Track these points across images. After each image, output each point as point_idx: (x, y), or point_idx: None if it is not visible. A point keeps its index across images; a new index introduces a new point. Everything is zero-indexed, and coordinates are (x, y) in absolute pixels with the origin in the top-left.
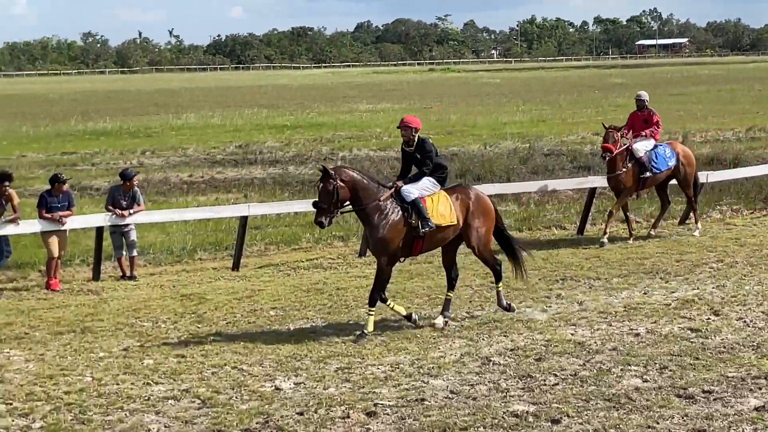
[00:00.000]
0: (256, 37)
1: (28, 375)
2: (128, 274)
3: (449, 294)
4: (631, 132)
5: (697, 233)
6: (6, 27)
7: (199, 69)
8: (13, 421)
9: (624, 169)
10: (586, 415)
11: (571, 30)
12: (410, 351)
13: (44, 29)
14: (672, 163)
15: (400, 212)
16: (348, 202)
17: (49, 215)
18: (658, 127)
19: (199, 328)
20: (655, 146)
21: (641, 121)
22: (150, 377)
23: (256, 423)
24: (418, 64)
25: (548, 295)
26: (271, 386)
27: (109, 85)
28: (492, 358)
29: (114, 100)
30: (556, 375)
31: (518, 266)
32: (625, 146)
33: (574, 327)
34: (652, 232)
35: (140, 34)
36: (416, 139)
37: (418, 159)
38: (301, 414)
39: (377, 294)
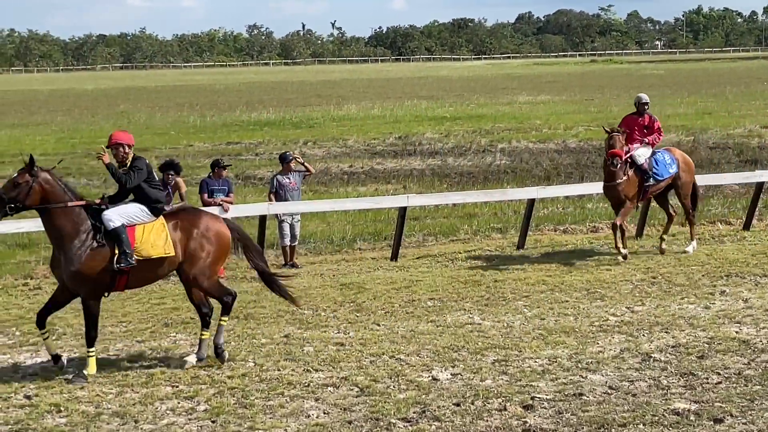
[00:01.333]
0: (417, 29)
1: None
2: (290, 261)
3: (204, 333)
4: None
5: (690, 250)
6: (175, 20)
7: (361, 61)
8: (179, 403)
9: (624, 177)
10: (751, 414)
11: (739, 20)
12: (568, 345)
13: (212, 22)
14: (673, 170)
15: (99, 241)
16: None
17: (210, 200)
18: (660, 135)
19: (357, 316)
20: (653, 153)
21: (641, 126)
22: (310, 364)
23: (413, 412)
24: (580, 55)
25: (712, 291)
26: (429, 376)
27: (272, 77)
28: (652, 355)
29: (277, 91)
30: (719, 373)
31: (286, 297)
32: (627, 153)
33: (738, 324)
34: (663, 246)
35: (303, 26)
36: (130, 157)
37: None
38: (457, 405)
39: (93, 332)
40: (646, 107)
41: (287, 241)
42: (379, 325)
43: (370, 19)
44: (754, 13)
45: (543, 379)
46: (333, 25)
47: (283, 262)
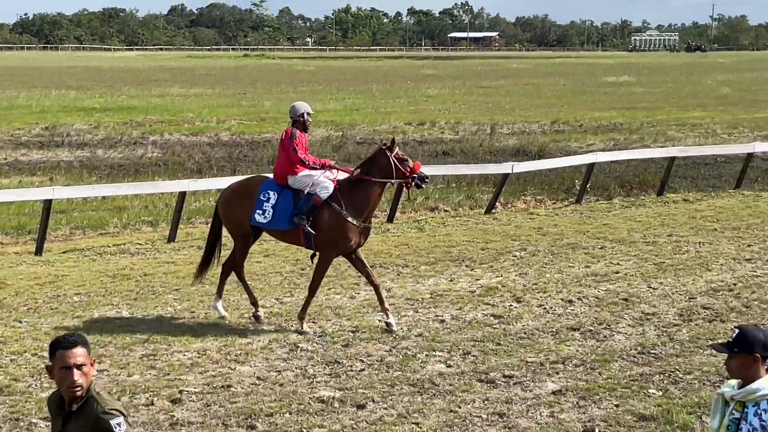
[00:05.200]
0: (65, 17)
1: None
2: None
3: None
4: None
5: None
6: None
7: (5, 48)
8: None
9: None
10: (391, 399)
11: (385, 20)
12: (218, 337)
13: None
14: None
15: None
16: None
17: None
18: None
19: None
20: None
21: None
22: None
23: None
24: (233, 49)
25: (357, 282)
26: None
27: None
28: (300, 345)
29: None
30: (362, 361)
31: None
32: None
33: (381, 314)
34: None
35: None
36: None
37: None
38: None
39: None
40: None
41: None
42: (21, 322)
43: (15, 5)
44: (399, 14)
45: (192, 373)
46: None
47: None
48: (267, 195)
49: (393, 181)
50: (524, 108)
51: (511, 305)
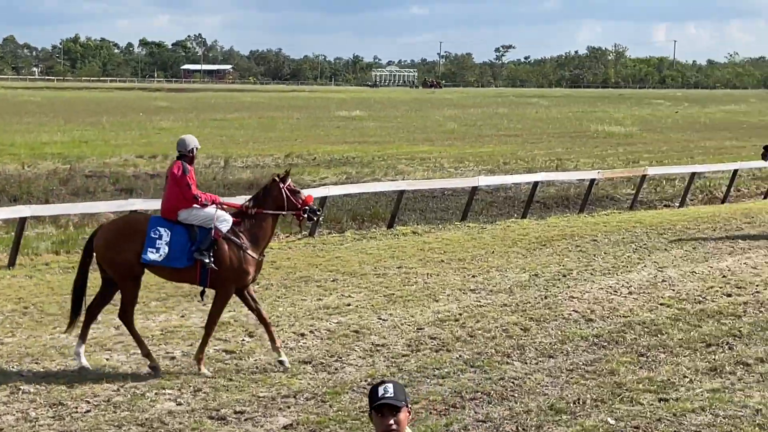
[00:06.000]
0: None
1: None
2: None
3: None
4: None
5: None
6: None
7: None
8: None
9: None
10: None
11: (116, 51)
12: None
13: None
14: None
15: None
16: None
17: None
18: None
19: None
20: None
21: None
22: None
23: None
24: None
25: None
26: None
27: None
28: (21, 387)
29: None
30: (88, 401)
31: None
32: None
33: (110, 352)
34: None
35: None
36: None
37: None
38: None
39: None
40: None
41: None
42: None
43: None
44: (130, 45)
45: None
46: None
47: None
48: (158, 232)
49: (284, 213)
50: (258, 141)
51: (244, 340)
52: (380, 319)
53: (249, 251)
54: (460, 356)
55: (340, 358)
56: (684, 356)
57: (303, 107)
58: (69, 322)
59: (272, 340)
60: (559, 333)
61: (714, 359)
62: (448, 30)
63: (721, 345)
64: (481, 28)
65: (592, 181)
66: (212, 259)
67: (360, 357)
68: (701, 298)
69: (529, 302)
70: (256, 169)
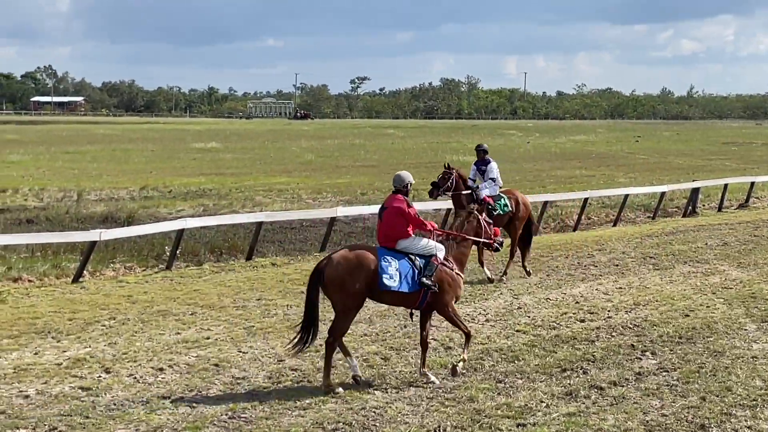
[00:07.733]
0: None
1: None
2: None
3: None
4: None
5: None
6: None
7: None
8: None
9: None
10: None
11: None
12: None
13: None
14: None
15: None
16: None
17: None
18: None
19: None
20: None
21: None
22: None
23: None
24: None
25: None
26: None
27: None
28: None
29: None
30: None
31: None
32: None
33: None
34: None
35: None
36: None
37: None
38: None
39: None
40: None
41: None
42: None
43: None
44: None
45: None
46: None
47: None
48: (387, 260)
49: (481, 240)
50: (112, 174)
51: (101, 376)
52: (240, 351)
53: (458, 272)
54: (320, 387)
55: (200, 392)
56: (540, 381)
57: (158, 139)
58: (295, 350)
59: (423, 361)
60: (419, 362)
61: (569, 384)
62: (304, 62)
63: (575, 370)
64: (337, 60)
65: (449, 210)
66: (436, 285)
67: (220, 390)
68: (556, 324)
69: (389, 331)
70: (110, 202)
